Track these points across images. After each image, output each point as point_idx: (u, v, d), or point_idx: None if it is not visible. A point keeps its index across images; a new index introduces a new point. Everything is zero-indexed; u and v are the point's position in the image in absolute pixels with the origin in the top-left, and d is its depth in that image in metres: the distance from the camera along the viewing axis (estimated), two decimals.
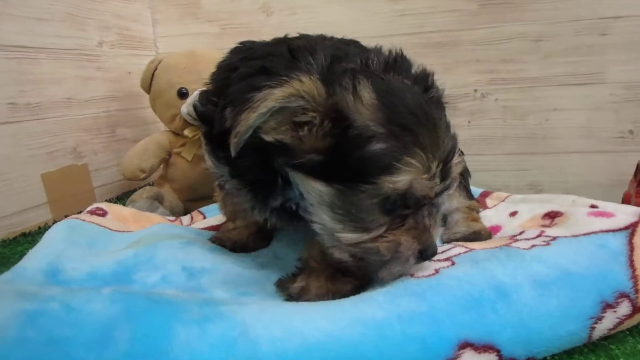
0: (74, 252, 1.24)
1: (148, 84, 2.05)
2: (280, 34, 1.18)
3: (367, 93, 0.90)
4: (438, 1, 2.14)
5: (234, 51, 1.19)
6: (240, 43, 1.20)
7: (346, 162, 0.90)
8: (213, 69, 1.94)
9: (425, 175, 0.91)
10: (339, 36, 1.19)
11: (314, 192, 0.95)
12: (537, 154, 2.14)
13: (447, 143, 0.94)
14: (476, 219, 1.48)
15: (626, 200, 1.60)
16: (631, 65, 1.97)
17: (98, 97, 2.14)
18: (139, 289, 1.09)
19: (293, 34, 1.18)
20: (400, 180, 0.88)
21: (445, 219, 1.51)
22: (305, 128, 0.90)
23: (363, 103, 0.89)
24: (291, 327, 0.84)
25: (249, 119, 0.88)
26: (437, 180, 0.93)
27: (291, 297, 1.08)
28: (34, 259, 1.19)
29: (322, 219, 0.97)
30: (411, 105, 0.92)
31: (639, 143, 2.02)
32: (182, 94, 1.95)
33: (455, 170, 0.98)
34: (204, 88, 1.21)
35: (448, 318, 0.87)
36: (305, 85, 0.88)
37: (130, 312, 0.83)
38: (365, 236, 0.95)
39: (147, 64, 2.05)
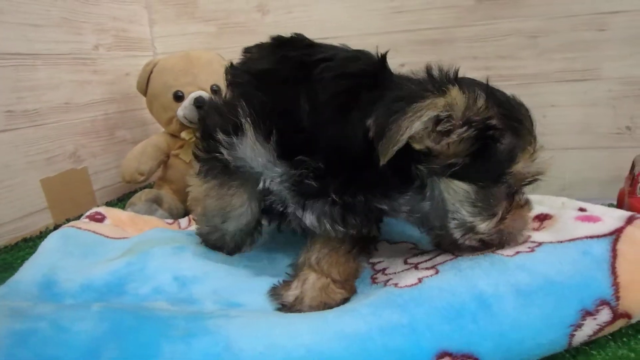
0: (68, 262, 1.25)
1: (144, 87, 2.09)
2: (277, 33, 1.19)
3: (491, 99, 1.00)
4: None
5: (279, 46, 1.18)
6: (280, 41, 1.19)
7: (486, 161, 1.00)
8: (208, 70, 1.95)
9: (534, 155, 1.05)
10: (336, 33, 1.22)
11: (458, 191, 1.02)
12: None
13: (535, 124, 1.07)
14: None
15: (620, 197, 1.62)
16: (629, 61, 1.98)
17: (95, 101, 2.16)
18: (131, 301, 1.11)
19: (291, 32, 1.19)
20: (521, 164, 1.03)
21: None
22: (453, 136, 0.97)
23: (491, 107, 0.98)
24: (275, 342, 0.86)
25: (412, 127, 0.91)
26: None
27: (284, 306, 1.09)
28: (30, 271, 1.21)
29: (462, 215, 1.04)
30: (509, 100, 1.07)
31: (637, 139, 2.03)
32: (178, 97, 1.99)
33: None
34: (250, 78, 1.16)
35: (428, 329, 0.89)
36: (454, 97, 0.94)
37: (118, 331, 0.86)
38: (494, 221, 1.05)
39: (143, 67, 2.09)
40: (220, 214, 1.28)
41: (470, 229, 1.05)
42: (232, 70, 1.22)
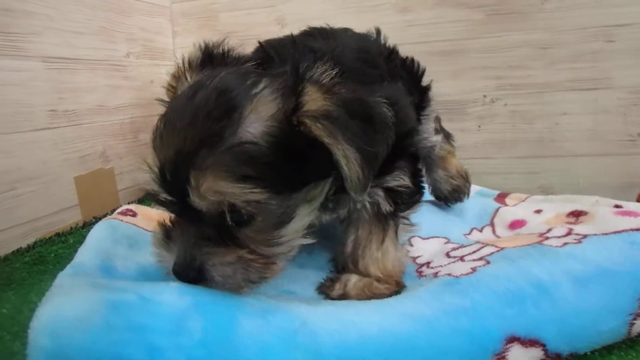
0: (119, 251, 1.22)
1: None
2: None
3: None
4: (445, 11, 2.14)
5: None
6: None
7: None
8: None
9: (148, 169, 0.87)
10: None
11: None
12: (547, 157, 2.12)
13: (183, 142, 0.82)
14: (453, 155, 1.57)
15: None
16: (637, 70, 1.96)
17: (124, 105, 2.16)
18: None
19: None
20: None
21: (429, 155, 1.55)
22: None
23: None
24: (346, 320, 0.84)
25: None
26: (161, 181, 0.86)
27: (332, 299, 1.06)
28: (87, 256, 1.16)
29: None
30: (185, 94, 0.89)
31: None
32: None
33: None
34: None
35: (491, 313, 0.87)
36: None
37: (199, 304, 0.84)
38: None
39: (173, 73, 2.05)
40: None
41: None
42: None
